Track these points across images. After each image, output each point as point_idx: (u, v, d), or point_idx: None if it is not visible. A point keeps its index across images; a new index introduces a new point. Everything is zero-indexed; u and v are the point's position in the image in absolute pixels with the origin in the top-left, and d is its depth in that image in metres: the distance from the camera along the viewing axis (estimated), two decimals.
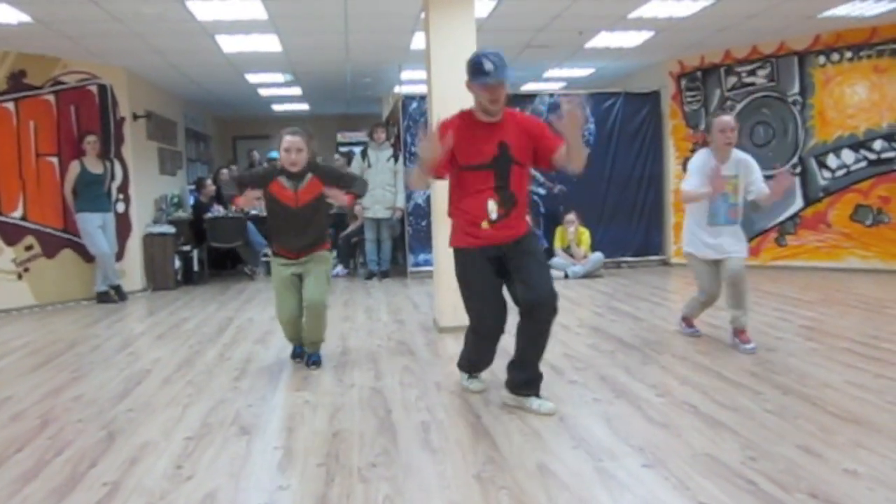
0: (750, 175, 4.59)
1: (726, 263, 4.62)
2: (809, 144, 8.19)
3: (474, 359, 3.89)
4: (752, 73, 8.55)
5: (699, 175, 4.53)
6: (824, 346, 4.60)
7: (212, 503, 2.60)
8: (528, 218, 3.66)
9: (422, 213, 8.67)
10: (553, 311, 3.45)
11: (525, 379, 3.59)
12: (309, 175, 4.42)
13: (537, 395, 3.58)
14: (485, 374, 4.02)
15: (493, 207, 3.46)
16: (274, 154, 11.07)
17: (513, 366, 3.64)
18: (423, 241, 8.61)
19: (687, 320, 5.16)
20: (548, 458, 2.92)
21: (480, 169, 3.47)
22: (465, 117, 3.53)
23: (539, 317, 3.46)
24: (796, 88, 8.24)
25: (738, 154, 4.62)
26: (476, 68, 3.35)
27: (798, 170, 8.26)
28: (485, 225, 3.48)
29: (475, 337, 3.75)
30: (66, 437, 3.40)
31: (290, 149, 4.32)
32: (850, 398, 3.53)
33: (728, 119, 4.55)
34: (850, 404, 3.43)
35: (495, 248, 3.50)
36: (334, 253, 8.73)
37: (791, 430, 3.13)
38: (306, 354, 4.68)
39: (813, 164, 8.19)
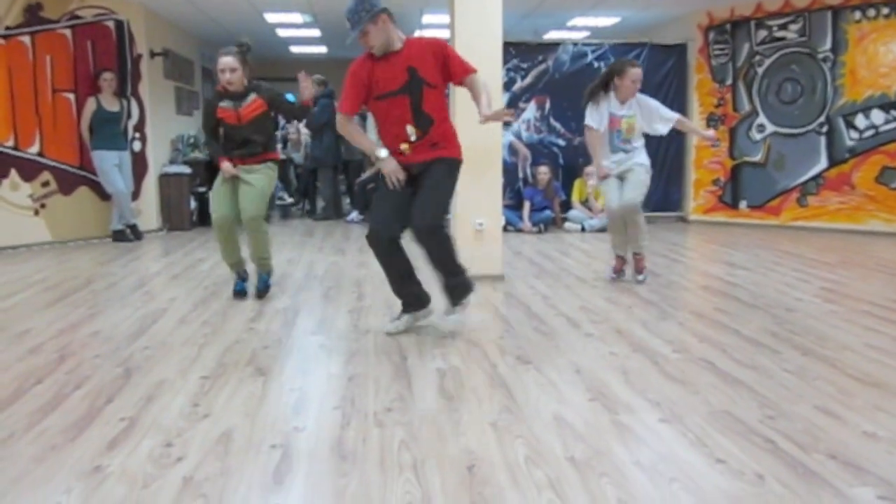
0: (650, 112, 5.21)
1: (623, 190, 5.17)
2: (838, 103, 8.00)
3: (390, 284, 4.06)
4: (783, 27, 8.32)
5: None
6: (844, 309, 4.54)
7: (228, 441, 2.61)
8: (453, 142, 3.88)
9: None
10: (427, 235, 3.71)
11: (441, 289, 3.99)
12: (252, 95, 4.66)
13: (453, 303, 4.00)
14: (497, 329, 3.99)
15: (410, 130, 3.74)
16: (289, 97, 10.98)
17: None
18: None
19: (617, 264, 5.52)
20: (564, 409, 2.91)
21: (394, 95, 3.71)
22: (361, 59, 3.80)
23: (419, 239, 3.75)
24: (828, 45, 8.02)
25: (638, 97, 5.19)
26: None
27: (825, 129, 8.09)
28: (404, 147, 3.77)
29: (370, 247, 3.91)
30: (84, 372, 3.42)
31: (224, 69, 4.57)
32: (869, 361, 3.49)
33: (638, 71, 5.13)
34: (869, 367, 3.39)
35: (412, 166, 3.81)
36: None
37: (810, 390, 3.10)
38: (258, 282, 4.92)
39: (840, 123, 8.01)
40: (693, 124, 5.57)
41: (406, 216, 3.76)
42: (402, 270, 3.94)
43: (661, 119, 5.21)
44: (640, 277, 5.28)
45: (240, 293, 4.88)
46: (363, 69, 3.76)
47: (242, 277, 4.98)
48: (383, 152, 3.82)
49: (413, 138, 3.76)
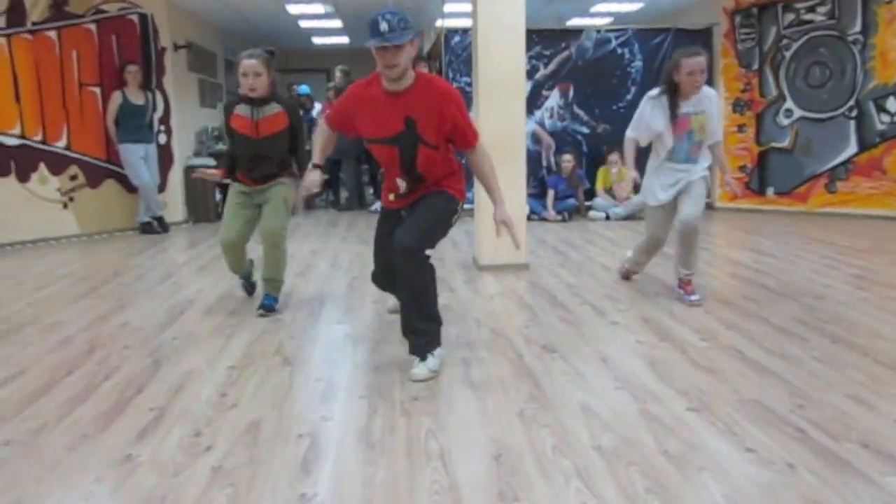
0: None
1: (680, 209, 4.35)
2: (868, 86, 7.84)
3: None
4: (811, 9, 8.16)
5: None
6: (875, 296, 4.47)
7: (256, 431, 2.63)
8: (453, 185, 3.33)
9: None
10: (407, 258, 3.11)
11: (405, 332, 3.31)
12: (274, 106, 4.19)
13: (416, 354, 3.23)
14: (522, 318, 3.97)
15: (401, 184, 3.27)
16: (304, 89, 11.00)
17: None
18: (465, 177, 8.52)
19: (628, 272, 4.99)
20: (590, 398, 2.90)
21: (384, 143, 3.18)
22: (369, 84, 3.19)
23: (397, 261, 3.15)
24: (858, 27, 7.85)
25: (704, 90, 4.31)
26: (372, 27, 2.95)
27: (854, 113, 7.95)
28: (392, 197, 3.35)
29: (379, 288, 3.67)
30: (114, 362, 3.47)
31: (247, 73, 4.06)
32: None
33: (696, 61, 4.16)
34: None
35: (403, 209, 3.36)
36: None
37: (841, 379, 3.06)
38: (263, 295, 4.36)
39: (871, 107, 7.85)
40: (725, 158, 4.83)
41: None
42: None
43: (713, 129, 4.39)
44: (695, 298, 4.35)
45: (250, 288, 4.70)
46: (358, 101, 3.22)
47: (249, 280, 4.69)
48: (311, 166, 3.53)
49: (402, 191, 3.29)
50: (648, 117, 4.34)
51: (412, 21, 3.00)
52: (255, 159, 4.21)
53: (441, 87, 3.15)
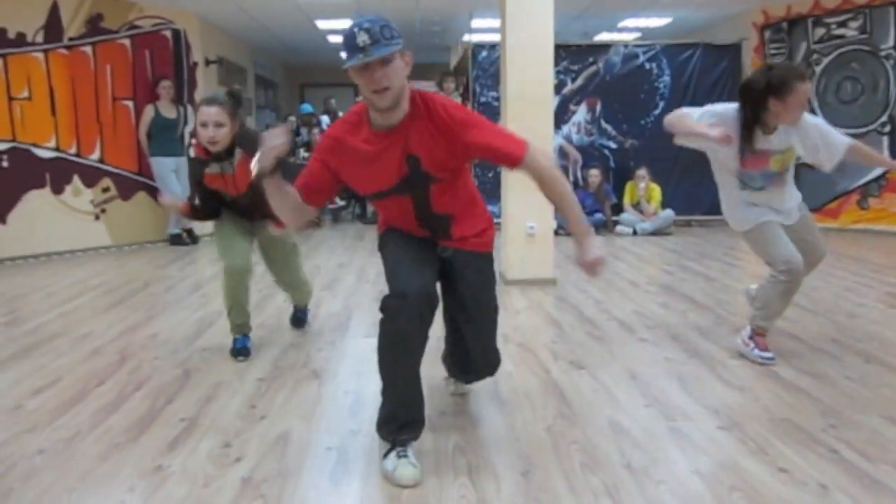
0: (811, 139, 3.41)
1: (803, 242, 3.50)
2: None
3: (388, 394, 2.49)
4: (842, 24, 8.09)
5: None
6: None
7: (285, 443, 2.65)
8: (486, 230, 2.73)
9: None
10: (492, 372, 2.83)
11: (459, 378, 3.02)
12: (238, 153, 3.48)
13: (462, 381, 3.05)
14: (550, 333, 3.94)
15: (422, 228, 2.59)
16: (306, 107, 10.95)
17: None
18: (490, 192, 8.52)
19: (759, 334, 3.55)
20: (619, 415, 2.87)
21: (389, 196, 2.49)
22: (355, 127, 2.41)
23: (469, 380, 2.90)
24: (891, 42, 7.76)
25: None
26: (347, 43, 2.24)
27: (887, 129, 7.84)
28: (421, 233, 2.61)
29: (392, 322, 2.36)
30: (144, 373, 3.51)
31: (206, 123, 3.38)
32: None
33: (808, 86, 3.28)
34: None
35: (437, 246, 2.62)
36: None
37: (874, 399, 3.01)
38: (297, 312, 4.27)
39: None
40: (871, 150, 3.72)
41: (433, 278, 2.52)
42: (416, 364, 2.47)
43: (829, 148, 3.39)
44: (768, 356, 3.50)
45: (242, 351, 3.74)
46: (342, 149, 2.42)
47: (246, 334, 3.87)
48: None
49: (428, 235, 2.61)
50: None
51: (398, 31, 2.29)
52: (251, 207, 3.63)
53: (447, 113, 2.36)
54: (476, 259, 2.67)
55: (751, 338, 3.57)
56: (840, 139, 3.42)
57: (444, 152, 2.38)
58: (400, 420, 2.43)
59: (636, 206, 8.51)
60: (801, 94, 3.22)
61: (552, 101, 5.63)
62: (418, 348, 2.42)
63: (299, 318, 4.34)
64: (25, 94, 6.97)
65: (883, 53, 7.83)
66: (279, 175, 2.37)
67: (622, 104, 8.80)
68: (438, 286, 2.56)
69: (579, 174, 8.75)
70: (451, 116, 2.36)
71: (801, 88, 3.20)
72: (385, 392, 2.47)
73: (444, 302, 2.65)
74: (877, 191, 8.00)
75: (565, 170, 8.76)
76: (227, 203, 3.71)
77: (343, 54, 2.28)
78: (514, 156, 2.37)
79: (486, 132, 2.39)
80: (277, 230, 3.70)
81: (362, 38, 2.21)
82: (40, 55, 7.03)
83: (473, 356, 2.69)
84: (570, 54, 8.72)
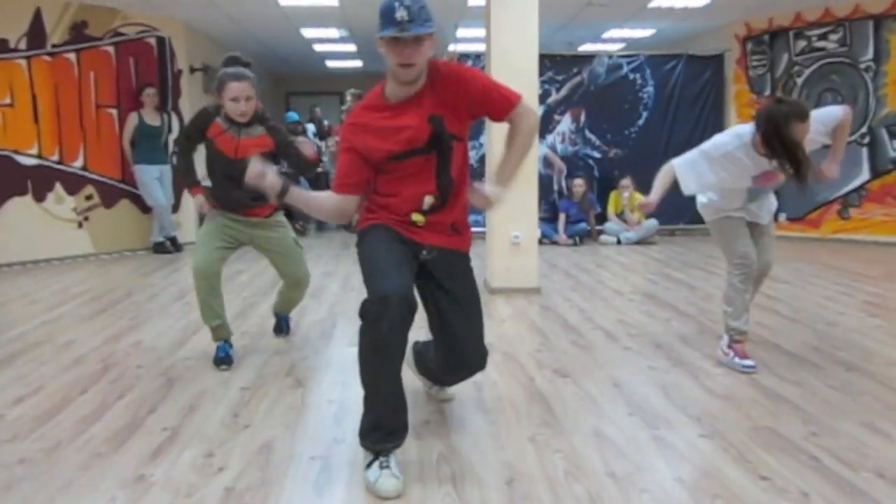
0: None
1: (761, 244, 3.78)
2: (881, 114, 7.85)
3: (371, 402, 2.47)
4: (822, 37, 8.19)
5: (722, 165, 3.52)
6: (889, 323, 4.44)
7: (269, 452, 2.64)
8: (466, 222, 2.83)
9: (474, 173, 8.60)
10: (482, 366, 2.78)
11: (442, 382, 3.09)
12: (259, 128, 3.66)
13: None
14: (534, 342, 3.97)
15: (427, 200, 2.60)
16: (292, 116, 10.95)
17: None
18: None
19: (737, 341, 3.65)
20: (603, 423, 2.89)
21: (416, 155, 2.54)
22: (367, 108, 2.57)
23: (470, 374, 2.83)
24: (870, 54, 7.88)
25: None
26: (385, 15, 2.38)
27: (867, 140, 7.95)
28: (417, 218, 2.62)
29: (372, 324, 2.38)
30: (127, 381, 3.48)
31: (238, 97, 3.51)
32: None
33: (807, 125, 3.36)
34: None
35: (422, 247, 2.65)
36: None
37: (855, 407, 3.04)
38: (280, 321, 4.30)
39: (883, 134, 7.85)
40: (840, 143, 3.99)
41: (412, 278, 2.57)
42: (398, 369, 2.49)
43: (827, 127, 3.70)
44: (749, 364, 3.57)
45: (225, 359, 3.71)
46: (358, 130, 2.56)
47: (227, 341, 3.81)
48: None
49: (426, 207, 2.61)
50: (719, 174, 3.52)
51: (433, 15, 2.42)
52: (227, 182, 3.61)
53: (451, 69, 2.55)
54: (461, 258, 2.79)
55: (730, 346, 3.65)
56: (834, 111, 3.70)
57: (462, 107, 2.55)
58: (385, 428, 2.42)
59: (620, 215, 8.57)
60: (800, 131, 3.32)
61: (537, 111, 5.66)
62: (399, 354, 2.46)
63: (281, 327, 4.34)
64: (8, 100, 6.93)
65: (862, 66, 7.94)
66: (291, 186, 2.57)
67: (606, 114, 8.87)
68: (424, 292, 2.69)
69: (564, 184, 8.80)
70: (462, 71, 2.57)
71: (798, 127, 3.30)
72: (367, 400, 2.46)
73: (432, 303, 2.71)
74: (857, 201, 8.10)
75: (550, 179, 8.80)
76: (222, 171, 3.68)
77: (378, 24, 2.40)
78: (510, 100, 2.58)
79: (487, 79, 2.63)
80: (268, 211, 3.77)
81: (401, 14, 2.35)
82: (23, 62, 6.99)
83: (467, 348, 2.71)
84: (554, 64, 8.78)
